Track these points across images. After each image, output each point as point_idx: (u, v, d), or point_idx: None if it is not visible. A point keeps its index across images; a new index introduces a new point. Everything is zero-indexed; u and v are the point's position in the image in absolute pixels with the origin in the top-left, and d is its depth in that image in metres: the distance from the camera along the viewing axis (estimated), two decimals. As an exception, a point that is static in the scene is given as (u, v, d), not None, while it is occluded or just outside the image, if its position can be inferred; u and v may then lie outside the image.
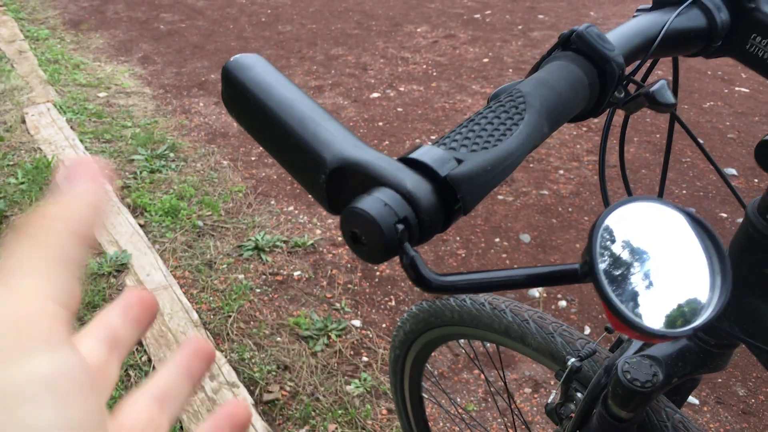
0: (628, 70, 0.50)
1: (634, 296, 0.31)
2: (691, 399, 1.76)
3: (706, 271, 0.32)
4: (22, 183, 2.72)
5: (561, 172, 2.84)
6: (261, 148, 3.08)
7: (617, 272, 0.31)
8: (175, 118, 3.46)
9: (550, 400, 0.84)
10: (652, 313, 0.31)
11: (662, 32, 0.46)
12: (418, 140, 3.16)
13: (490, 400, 1.78)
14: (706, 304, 0.31)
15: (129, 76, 4.03)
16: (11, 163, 2.90)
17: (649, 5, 0.52)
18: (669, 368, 0.68)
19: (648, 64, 0.60)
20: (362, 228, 0.30)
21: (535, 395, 1.79)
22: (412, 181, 0.31)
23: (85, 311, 2.04)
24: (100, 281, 2.17)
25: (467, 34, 4.63)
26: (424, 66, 4.09)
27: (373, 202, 0.30)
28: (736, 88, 3.61)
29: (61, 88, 3.76)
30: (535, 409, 1.75)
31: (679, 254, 0.32)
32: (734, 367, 1.86)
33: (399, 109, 3.51)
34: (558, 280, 0.32)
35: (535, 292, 2.14)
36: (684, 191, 2.68)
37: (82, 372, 0.22)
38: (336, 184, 0.33)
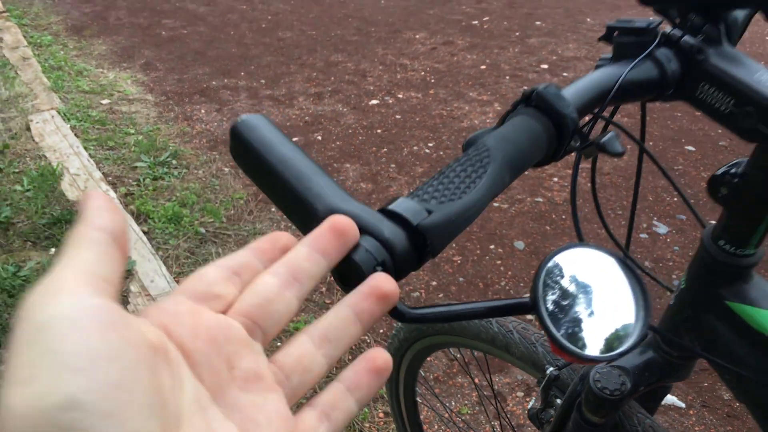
0: (591, 116, 0.56)
1: (576, 325, 0.37)
2: (678, 402, 1.82)
3: (632, 308, 0.38)
4: (28, 190, 2.78)
5: (555, 179, 2.90)
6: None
7: (561, 305, 0.37)
8: (177, 125, 3.52)
9: (530, 406, 0.91)
10: (592, 340, 0.38)
11: (616, 85, 0.52)
12: (415, 147, 3.22)
13: (483, 403, 1.84)
14: (630, 333, 0.37)
15: (131, 83, 4.10)
16: (17, 170, 2.96)
17: (611, 55, 0.58)
18: (636, 378, 0.74)
19: (610, 108, 0.66)
20: (347, 270, 0.36)
21: (527, 399, 1.85)
22: (389, 230, 0.37)
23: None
24: (105, 287, 2.23)
25: (465, 41, 4.69)
26: (423, 73, 4.15)
27: (357, 249, 0.36)
28: (729, 96, 3.67)
29: (64, 95, 3.83)
30: (527, 411, 1.81)
31: (611, 291, 0.38)
32: (720, 372, 1.92)
33: (397, 116, 3.57)
34: (512, 311, 0.38)
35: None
36: (675, 198, 2.74)
37: (107, 312, 0.25)
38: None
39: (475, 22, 5.11)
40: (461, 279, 2.31)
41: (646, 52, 0.55)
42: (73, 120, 3.48)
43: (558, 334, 0.36)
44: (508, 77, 4.05)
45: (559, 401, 0.86)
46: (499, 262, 2.39)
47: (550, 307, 0.38)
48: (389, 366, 0.33)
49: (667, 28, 0.58)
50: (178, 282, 2.27)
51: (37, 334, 0.24)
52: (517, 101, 0.47)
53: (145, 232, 2.54)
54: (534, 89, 0.47)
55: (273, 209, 2.74)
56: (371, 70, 4.23)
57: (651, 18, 0.57)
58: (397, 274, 0.37)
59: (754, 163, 0.57)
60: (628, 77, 0.54)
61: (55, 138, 3.26)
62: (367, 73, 4.17)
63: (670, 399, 1.84)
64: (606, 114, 0.62)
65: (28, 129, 3.36)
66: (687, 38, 0.56)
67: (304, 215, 0.39)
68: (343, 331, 0.32)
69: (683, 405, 1.83)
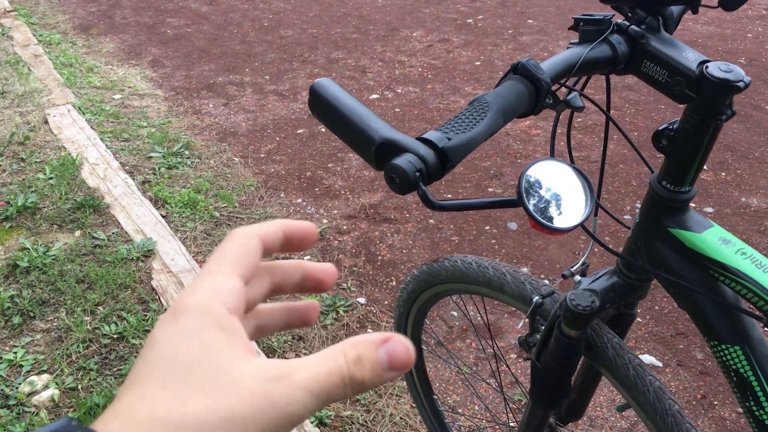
0: (565, 84, 0.75)
1: (546, 211, 0.57)
2: (655, 362, 2.02)
3: (583, 197, 0.58)
4: (51, 178, 2.96)
5: (546, 166, 3.10)
6: (269, 146, 3.33)
7: (536, 200, 0.57)
8: (187, 119, 3.70)
9: (519, 331, 1.10)
10: (561, 221, 0.57)
11: (580, 61, 0.71)
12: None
13: (480, 364, 2.03)
14: (582, 214, 0.57)
15: (141, 79, 4.28)
16: (38, 160, 3.14)
17: (578, 40, 0.78)
18: (604, 297, 0.93)
19: (583, 79, 0.86)
20: (397, 174, 0.55)
21: (519, 361, 2.04)
22: (423, 149, 0.56)
23: (118, 291, 2.28)
24: (130, 265, 2.42)
25: (460, 39, 4.89)
26: (420, 69, 4.34)
27: (402, 161, 0.55)
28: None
29: (78, 91, 4.00)
30: (519, 371, 2.01)
31: (569, 189, 0.58)
32: (695, 335, 2.12)
33: (397, 110, 3.77)
34: (506, 204, 0.57)
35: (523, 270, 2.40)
36: (657, 184, 2.94)
37: (224, 313, 0.32)
38: (380, 153, 0.58)
39: (470, 20, 5.31)
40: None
41: (602, 37, 0.74)
42: (88, 114, 3.66)
43: (536, 214, 0.55)
44: (501, 72, 4.25)
45: (543, 327, 1.05)
46: (493, 241, 2.59)
47: (531, 205, 0.57)
48: (315, 231, 0.41)
49: (619, 19, 0.78)
50: (197, 260, 2.46)
51: (174, 315, 0.32)
52: (508, 70, 0.67)
53: (163, 216, 2.73)
54: (519, 62, 0.66)
55: (282, 195, 2.93)
56: (371, 66, 4.42)
57: (607, 12, 0.77)
58: (429, 179, 0.56)
59: (685, 120, 0.76)
60: (589, 55, 0.73)
61: (73, 130, 3.44)
62: (366, 69, 4.36)
63: (648, 359, 2.03)
64: (578, 83, 0.82)
65: (46, 122, 3.53)
66: (633, 27, 0.76)
67: (365, 143, 0.58)
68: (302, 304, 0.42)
69: (660, 364, 2.03)
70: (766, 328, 0.81)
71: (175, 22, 5.43)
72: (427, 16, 5.46)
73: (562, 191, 0.58)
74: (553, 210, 0.57)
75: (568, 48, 0.76)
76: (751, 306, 0.79)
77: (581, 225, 0.56)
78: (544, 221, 0.55)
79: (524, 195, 0.55)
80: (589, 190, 0.58)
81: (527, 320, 1.07)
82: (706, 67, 0.71)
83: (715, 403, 1.90)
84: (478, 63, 4.42)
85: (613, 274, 0.95)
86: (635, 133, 3.41)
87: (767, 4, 5.46)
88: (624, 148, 3.24)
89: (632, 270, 0.91)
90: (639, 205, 2.93)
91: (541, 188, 0.58)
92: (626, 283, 0.93)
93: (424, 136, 0.58)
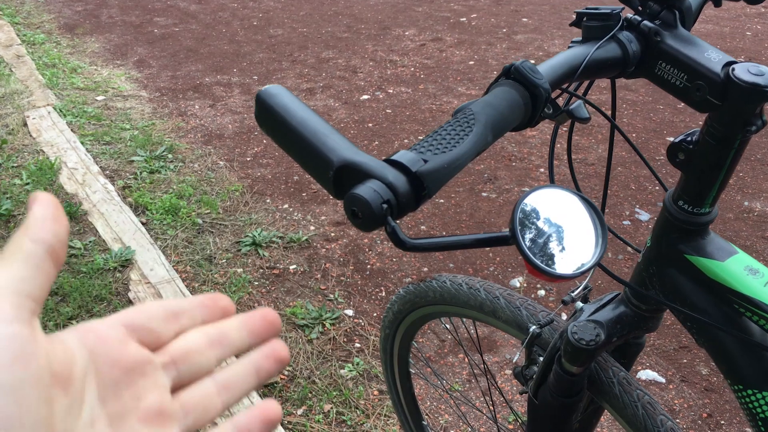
0: (567, 89, 0.64)
1: (546, 251, 0.45)
2: (658, 378, 1.91)
3: (593, 235, 0.46)
4: (27, 184, 2.84)
5: (542, 170, 2.99)
6: (256, 149, 3.21)
7: (534, 236, 0.46)
8: (172, 121, 3.59)
9: (515, 365, 0.99)
10: (564, 264, 0.46)
11: (584, 63, 0.60)
12: (406, 140, 3.30)
13: (473, 381, 1.92)
14: (592, 257, 0.46)
15: (125, 80, 4.15)
16: (15, 164, 3.02)
17: (581, 38, 0.67)
18: (610, 329, 0.82)
19: (585, 83, 0.75)
20: (359, 207, 0.44)
21: (514, 379, 1.93)
22: (393, 175, 0.45)
23: (93, 304, 2.16)
24: (107, 275, 2.30)
25: (453, 38, 4.77)
26: (412, 69, 4.23)
27: (366, 189, 0.44)
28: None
29: (59, 92, 3.88)
30: (515, 388, 1.90)
31: (575, 224, 0.46)
32: (699, 348, 2.01)
33: (388, 111, 3.65)
34: (495, 242, 0.46)
35: (516, 282, 2.29)
36: (657, 187, 2.84)
37: (19, 342, 0.26)
38: (339, 178, 0.47)
39: (463, 19, 5.20)
40: (451, 265, 2.40)
41: (610, 34, 0.63)
42: (69, 116, 3.54)
43: (533, 257, 0.44)
44: (495, 72, 4.14)
45: (541, 358, 0.94)
46: (487, 249, 2.48)
47: (528, 243, 0.46)
48: (279, 418, 0.35)
49: (629, 13, 0.66)
50: (177, 270, 2.35)
51: None
52: (499, 74, 0.56)
53: (143, 223, 2.61)
54: (513, 64, 0.55)
55: (268, 200, 2.81)
56: (362, 66, 4.30)
57: (615, 6, 0.65)
58: (400, 212, 0.45)
59: (706, 131, 0.65)
60: (594, 56, 0.62)
61: (52, 133, 3.32)
62: (357, 69, 4.25)
63: (650, 374, 1.93)
64: (579, 88, 0.71)
65: (25, 125, 3.41)
66: (646, 22, 0.64)
67: (320, 166, 0.47)
68: (243, 382, 0.35)
69: (663, 380, 1.92)
70: (799, 372, 0.70)
71: (163, 21, 5.31)
72: (419, 14, 5.34)
73: (567, 226, 0.47)
74: (555, 250, 0.46)
75: (569, 47, 0.65)
76: (783, 346, 0.68)
77: (592, 269, 0.45)
78: (543, 266, 0.44)
79: (518, 231, 0.44)
80: (601, 226, 0.47)
81: (523, 350, 0.96)
82: (733, 69, 0.61)
83: (722, 422, 1.79)
84: (471, 62, 4.31)
85: (620, 302, 0.84)
86: (633, 135, 3.31)
87: (766, 2, 5.36)
88: (622, 150, 3.13)
89: (642, 300, 0.80)
90: (639, 210, 2.84)
91: (541, 222, 0.46)
92: (635, 314, 0.82)
93: (394, 157, 0.47)
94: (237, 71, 4.26)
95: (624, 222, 2.63)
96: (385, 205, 0.44)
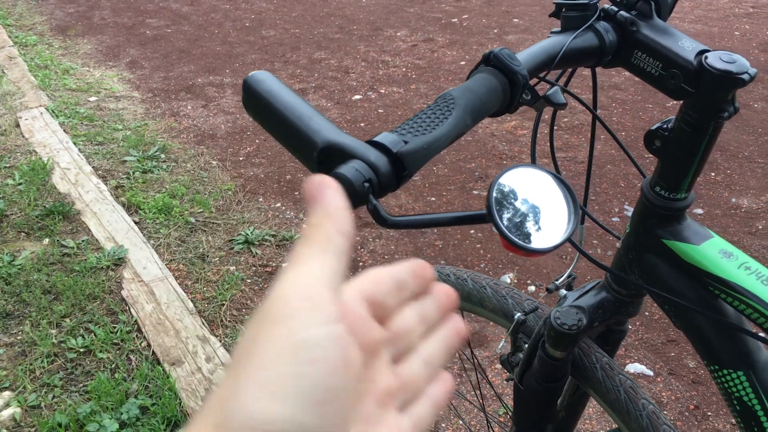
0: (549, 78, 0.66)
1: (522, 229, 0.47)
2: (646, 371, 1.94)
3: (566, 211, 0.49)
4: (20, 184, 2.85)
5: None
6: (248, 149, 3.23)
7: (511, 215, 0.48)
8: (165, 121, 3.60)
9: (500, 350, 1.01)
10: (539, 240, 0.48)
11: (562, 51, 0.62)
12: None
13: (464, 375, 1.94)
14: (565, 232, 0.48)
15: (118, 81, 4.16)
16: (8, 165, 3.02)
17: (560, 29, 0.69)
18: (591, 315, 0.84)
19: (567, 74, 0.77)
20: (342, 185, 0.46)
21: (505, 371, 1.95)
22: (374, 155, 0.47)
23: (86, 302, 2.17)
24: (100, 274, 2.31)
25: (445, 38, 4.80)
26: (404, 69, 4.26)
27: (349, 169, 0.46)
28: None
29: (52, 93, 3.89)
30: (505, 383, 1.92)
31: (549, 201, 0.49)
32: (686, 342, 2.03)
33: (380, 111, 3.68)
34: (472, 220, 0.48)
35: (507, 278, 2.31)
36: (646, 185, 2.87)
37: (347, 347, 0.28)
38: (323, 159, 0.49)
39: (455, 19, 5.23)
40: (443, 261, 2.42)
41: (587, 24, 0.65)
42: (61, 117, 3.55)
43: (508, 233, 0.46)
44: (487, 72, 4.16)
45: (526, 345, 0.96)
46: (478, 245, 2.50)
47: (505, 222, 0.48)
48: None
49: (606, 4, 0.69)
50: (170, 269, 2.36)
51: (293, 350, 0.26)
52: (479, 62, 0.58)
53: (136, 222, 2.62)
54: (492, 51, 0.57)
55: (260, 199, 2.83)
56: (354, 66, 4.32)
57: (593, -4, 0.68)
58: (381, 191, 0.47)
59: (681, 119, 0.68)
60: (572, 45, 0.64)
61: (45, 134, 3.33)
62: (349, 70, 4.27)
63: (639, 368, 1.95)
64: (561, 78, 0.73)
65: (18, 126, 3.41)
66: (622, 13, 0.67)
67: (305, 147, 0.49)
68: (439, 357, 0.37)
69: (651, 373, 1.94)
70: (773, 352, 0.72)
71: (155, 22, 5.32)
72: (411, 15, 5.37)
73: (542, 203, 0.49)
74: (530, 226, 0.48)
75: (548, 37, 0.67)
76: (756, 327, 0.70)
77: (564, 243, 0.47)
78: (518, 240, 0.46)
79: (494, 209, 0.46)
80: (573, 202, 0.49)
81: (509, 338, 0.98)
82: (706, 57, 0.63)
83: (709, 413, 1.82)
84: (463, 63, 4.34)
85: (602, 288, 0.86)
86: (623, 133, 3.34)
87: (754, 2, 5.41)
88: (612, 148, 3.16)
89: (623, 285, 0.82)
90: (627, 207, 2.86)
91: (516, 200, 0.48)
92: (616, 299, 0.84)
93: (376, 138, 0.49)
94: (229, 72, 4.28)
95: (613, 218, 2.65)
96: (366, 184, 0.46)
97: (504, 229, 0.46)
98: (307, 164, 0.50)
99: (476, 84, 0.55)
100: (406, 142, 0.48)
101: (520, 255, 0.47)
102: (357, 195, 0.45)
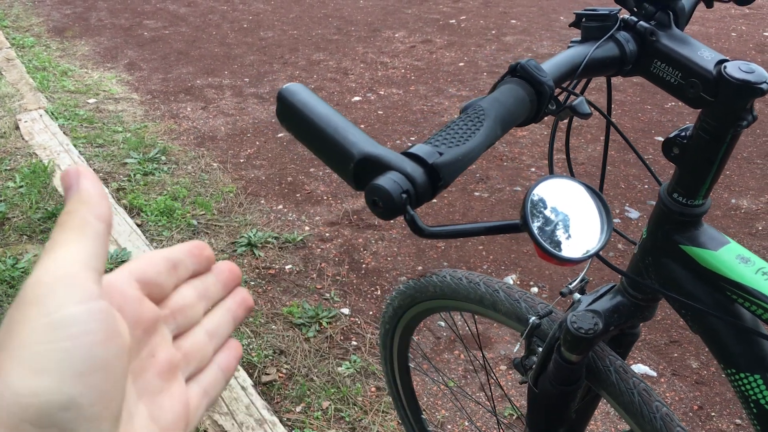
0: (566, 88, 0.68)
1: (553, 237, 0.48)
2: (650, 372, 1.95)
3: (598, 221, 0.50)
4: (21, 186, 2.85)
5: (533, 169, 3.03)
6: (249, 151, 3.23)
7: (542, 224, 0.49)
8: (164, 123, 3.60)
9: (514, 356, 1.02)
10: (571, 249, 0.49)
11: (584, 61, 0.63)
12: (398, 141, 3.33)
13: (469, 377, 1.95)
14: (598, 242, 0.49)
15: (116, 83, 4.16)
16: (8, 167, 3.02)
17: (580, 38, 0.70)
18: (607, 318, 0.85)
19: (583, 82, 0.78)
20: (380, 196, 0.46)
21: (510, 372, 1.97)
22: (411, 167, 0.48)
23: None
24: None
25: (443, 39, 4.81)
26: (403, 70, 4.26)
27: (387, 180, 0.46)
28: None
29: (51, 95, 3.88)
30: (510, 383, 1.93)
31: (581, 211, 0.50)
32: (689, 343, 2.05)
33: (379, 112, 3.68)
34: (507, 230, 0.49)
35: (510, 279, 2.32)
36: (646, 185, 2.89)
37: (110, 319, 0.28)
38: (360, 170, 0.50)
39: (453, 21, 5.24)
40: (445, 263, 2.43)
41: (608, 34, 0.66)
42: (61, 119, 3.54)
43: (543, 241, 0.47)
44: (485, 74, 4.18)
45: (540, 349, 0.97)
46: (481, 247, 2.51)
47: (537, 231, 0.49)
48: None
49: (625, 14, 0.70)
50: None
51: (50, 329, 0.27)
52: (505, 73, 0.59)
53: (138, 225, 2.62)
54: (518, 63, 0.58)
55: (262, 201, 2.83)
56: (352, 68, 4.33)
57: (612, 7, 0.69)
58: (418, 201, 0.48)
59: (700, 126, 0.69)
60: (594, 55, 0.65)
61: (45, 136, 3.32)
62: (348, 71, 4.28)
63: (642, 368, 1.97)
64: (579, 86, 0.74)
65: (17, 128, 3.41)
66: (642, 23, 0.68)
67: (341, 159, 0.50)
68: (225, 328, 0.39)
69: (655, 374, 1.96)
70: (789, 355, 0.73)
71: (153, 24, 5.31)
72: (409, 16, 5.38)
73: (574, 214, 0.50)
74: (561, 236, 0.49)
75: (569, 47, 0.68)
76: (773, 331, 0.71)
77: (598, 253, 0.48)
78: (552, 250, 0.47)
79: (529, 218, 0.47)
80: (606, 213, 0.50)
81: (523, 341, 0.99)
82: (725, 67, 0.64)
83: (713, 414, 1.83)
84: (461, 64, 4.35)
85: (617, 293, 0.88)
86: (622, 134, 3.35)
87: (753, 3, 5.44)
88: (611, 149, 3.18)
89: (639, 290, 0.84)
90: (628, 209, 2.88)
91: (547, 210, 0.49)
92: (632, 304, 0.85)
93: (412, 150, 0.50)
94: (228, 73, 4.28)
95: (615, 220, 2.67)
96: (404, 195, 0.47)
97: (539, 237, 0.47)
98: (343, 176, 0.51)
99: (504, 95, 0.56)
100: (441, 154, 0.49)
101: (553, 263, 0.48)
102: (395, 205, 0.46)
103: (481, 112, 0.53)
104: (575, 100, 0.59)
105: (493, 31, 4.95)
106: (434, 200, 2.81)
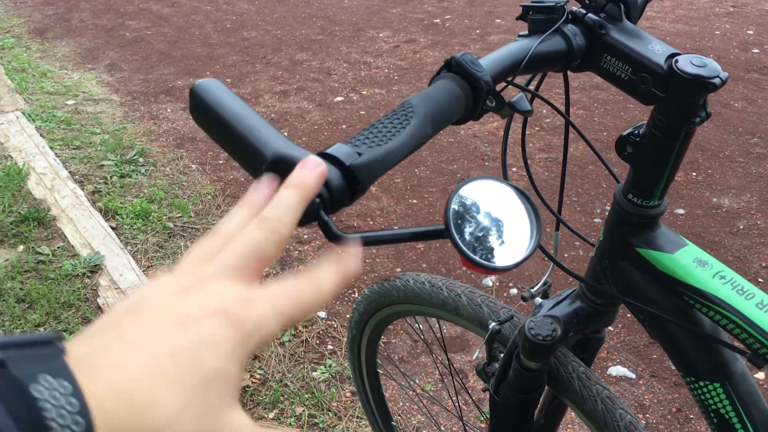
0: (511, 82, 0.64)
1: (485, 243, 0.45)
2: (628, 373, 1.93)
3: (527, 227, 0.46)
4: (-5, 190, 2.79)
5: (514, 169, 3.00)
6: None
7: (473, 229, 0.45)
8: (144, 124, 3.55)
9: (476, 359, 0.99)
10: (502, 256, 0.46)
11: (528, 56, 0.60)
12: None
13: (445, 380, 1.92)
14: (527, 248, 0.45)
15: (96, 84, 4.11)
16: (-18, 170, 2.97)
17: (527, 32, 0.67)
18: (566, 324, 0.82)
19: (538, 78, 0.75)
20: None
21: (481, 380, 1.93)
22: (327, 169, 0.44)
23: (61, 311, 2.13)
24: (75, 282, 2.27)
25: (427, 39, 4.78)
26: (386, 70, 4.23)
27: None
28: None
29: (29, 97, 3.83)
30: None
31: (512, 215, 0.46)
32: (668, 344, 2.03)
33: (362, 113, 3.65)
34: (431, 236, 0.46)
35: (489, 281, 2.29)
36: (628, 185, 2.86)
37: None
38: (273, 172, 0.46)
39: (437, 20, 5.21)
40: (424, 265, 2.40)
41: (554, 27, 0.63)
42: (38, 121, 3.49)
43: (467, 250, 0.43)
44: (469, 73, 4.15)
45: (501, 355, 0.94)
46: (460, 248, 2.48)
47: (466, 236, 0.46)
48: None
49: (574, 7, 0.66)
50: (147, 275, 2.32)
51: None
52: (441, 67, 0.55)
53: (113, 228, 2.58)
54: (453, 57, 0.54)
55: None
56: (336, 68, 4.30)
57: (562, -1, 0.65)
58: (333, 206, 0.45)
59: (652, 124, 0.66)
60: (538, 49, 0.62)
61: (21, 138, 3.27)
62: (331, 71, 4.24)
63: (621, 370, 1.94)
64: (530, 83, 0.71)
65: (-7, 130, 3.36)
66: (591, 15, 0.64)
67: (254, 161, 0.46)
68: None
69: (633, 376, 1.93)
70: (749, 363, 0.70)
71: (135, 24, 5.26)
72: (393, 16, 5.35)
73: (505, 217, 0.46)
74: (494, 242, 0.45)
75: (516, 41, 0.65)
76: (732, 337, 0.68)
77: (526, 260, 0.45)
78: (475, 257, 0.43)
79: (452, 224, 0.44)
80: (535, 218, 0.47)
81: (484, 347, 0.96)
82: (676, 61, 0.61)
83: (691, 416, 1.81)
84: (445, 63, 4.32)
85: (577, 297, 0.84)
86: (604, 134, 3.33)
87: (734, 2, 5.43)
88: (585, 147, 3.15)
89: (597, 295, 0.80)
90: (610, 208, 2.85)
91: (478, 214, 0.46)
92: (591, 309, 0.82)
93: (329, 150, 0.46)
94: (210, 74, 4.23)
95: (595, 219, 2.64)
96: (317, 200, 0.43)
97: (461, 245, 0.43)
98: (256, 177, 0.47)
99: (437, 91, 0.53)
100: (360, 154, 0.46)
101: (479, 272, 0.45)
102: (307, 211, 0.43)
103: (409, 110, 0.50)
104: (514, 97, 0.55)
105: (478, 31, 4.92)
106: (414, 201, 2.78)
